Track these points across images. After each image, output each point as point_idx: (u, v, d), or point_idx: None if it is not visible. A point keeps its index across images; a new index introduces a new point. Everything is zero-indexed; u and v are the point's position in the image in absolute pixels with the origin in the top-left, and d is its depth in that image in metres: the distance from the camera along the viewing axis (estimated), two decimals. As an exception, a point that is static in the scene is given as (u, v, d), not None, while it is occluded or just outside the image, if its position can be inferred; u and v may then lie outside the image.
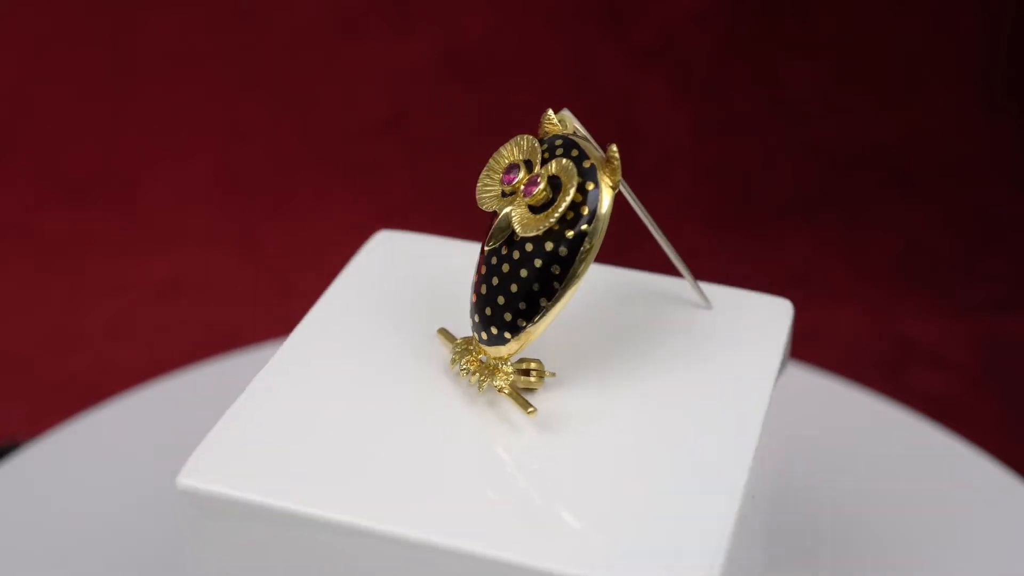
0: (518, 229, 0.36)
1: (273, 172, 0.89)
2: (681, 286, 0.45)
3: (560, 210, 0.36)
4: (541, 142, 0.38)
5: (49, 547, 0.53)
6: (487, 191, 0.38)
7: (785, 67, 0.92)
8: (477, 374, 0.38)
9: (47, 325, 0.77)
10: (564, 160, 0.36)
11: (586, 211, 0.36)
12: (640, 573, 0.33)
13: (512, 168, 0.37)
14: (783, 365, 0.42)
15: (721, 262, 0.83)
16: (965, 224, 0.86)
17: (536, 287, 0.36)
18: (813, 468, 0.56)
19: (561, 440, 0.37)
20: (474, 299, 0.38)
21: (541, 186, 0.36)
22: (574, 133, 0.38)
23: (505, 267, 0.37)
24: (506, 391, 0.38)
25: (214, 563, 0.38)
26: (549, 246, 0.36)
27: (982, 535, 0.54)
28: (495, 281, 0.37)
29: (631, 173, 0.90)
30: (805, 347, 0.74)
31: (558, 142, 0.37)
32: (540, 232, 0.36)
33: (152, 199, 0.87)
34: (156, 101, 0.90)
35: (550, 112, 0.38)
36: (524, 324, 0.37)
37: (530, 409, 0.37)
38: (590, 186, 0.36)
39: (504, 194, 0.37)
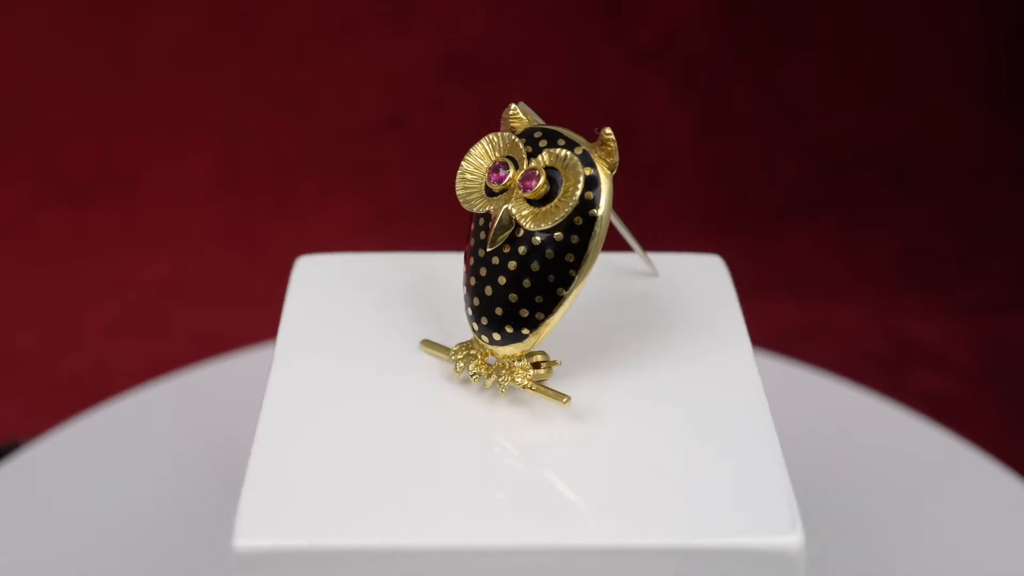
0: (528, 224, 0.36)
1: (273, 172, 0.89)
2: (618, 259, 0.46)
3: (575, 199, 0.36)
4: (519, 136, 0.38)
5: (49, 547, 0.53)
6: (470, 192, 0.38)
7: (785, 67, 0.92)
8: (493, 376, 0.38)
9: (47, 325, 0.77)
10: (559, 151, 0.37)
11: (591, 196, 0.36)
12: (726, 535, 0.33)
13: (499, 167, 0.37)
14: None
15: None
16: (965, 224, 0.86)
17: (552, 278, 0.37)
18: (813, 468, 0.56)
19: (583, 430, 0.38)
20: (476, 303, 0.38)
21: (542, 180, 0.36)
22: (540, 124, 0.38)
23: (512, 264, 0.37)
24: (532, 387, 0.38)
25: None
26: (559, 236, 0.36)
27: (982, 535, 0.54)
28: (502, 280, 0.37)
29: (631, 173, 0.90)
30: (805, 347, 0.74)
31: (537, 134, 0.38)
32: (553, 224, 0.36)
33: (152, 199, 0.87)
34: (156, 101, 0.90)
35: (513, 106, 0.38)
36: (543, 317, 0.37)
37: (565, 399, 0.37)
38: (588, 171, 0.36)
39: (492, 192, 0.37)
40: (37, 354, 0.75)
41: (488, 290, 0.37)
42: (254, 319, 0.77)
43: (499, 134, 0.38)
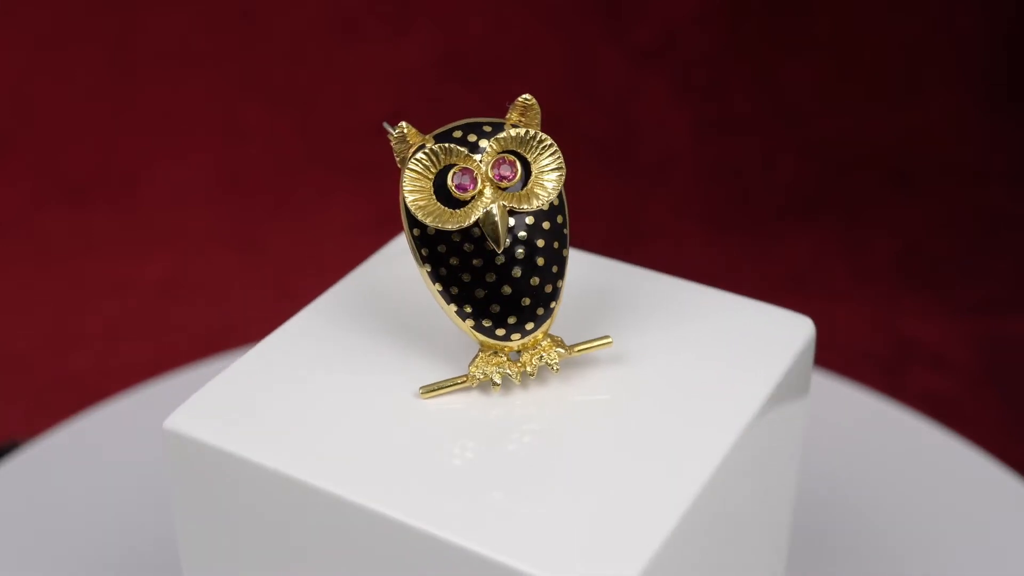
0: (535, 205, 0.37)
1: (273, 172, 0.89)
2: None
3: (562, 166, 0.38)
4: (437, 149, 0.38)
5: (49, 547, 0.53)
6: (436, 215, 0.37)
7: (785, 67, 0.92)
8: (525, 365, 0.39)
9: (47, 325, 0.77)
10: (516, 132, 0.38)
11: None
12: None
13: (455, 177, 0.37)
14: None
15: (721, 262, 0.83)
16: (965, 224, 0.86)
17: (556, 244, 0.38)
18: (813, 468, 0.56)
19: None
20: (496, 310, 0.38)
21: (518, 165, 0.38)
22: (419, 134, 0.38)
23: (520, 251, 0.37)
24: (574, 350, 0.39)
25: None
26: (540, 204, 0.38)
27: (982, 535, 0.54)
28: (517, 272, 0.37)
29: (631, 173, 0.90)
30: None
31: (456, 133, 0.38)
32: (550, 197, 0.38)
33: (152, 199, 0.87)
34: (156, 101, 0.90)
35: (403, 125, 0.38)
36: (561, 284, 0.38)
37: (607, 339, 0.40)
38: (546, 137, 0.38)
39: (458, 202, 0.37)
40: (37, 354, 0.75)
41: (507, 289, 0.38)
42: (254, 319, 0.77)
43: (422, 154, 0.38)
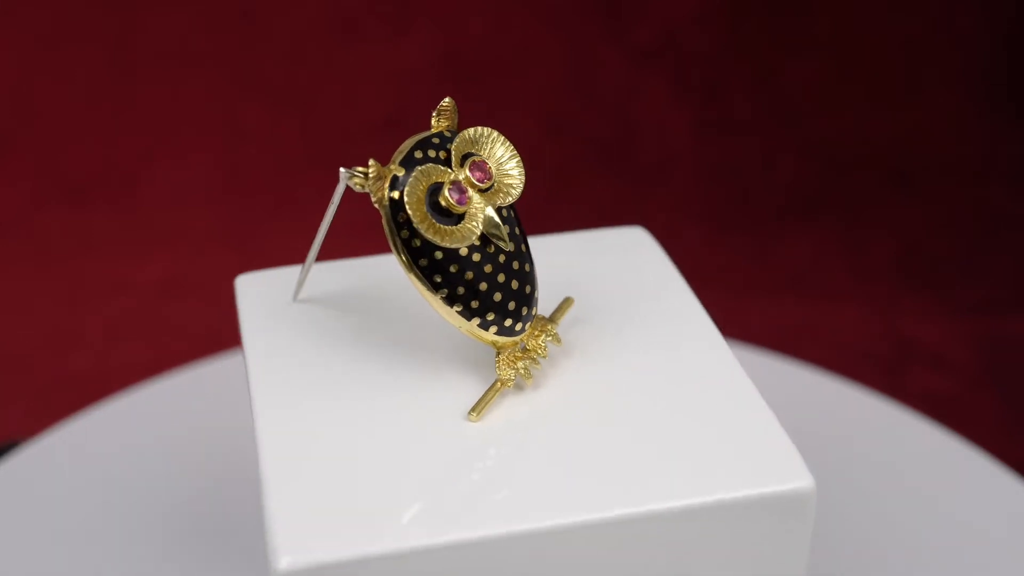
0: (513, 196, 0.38)
1: (273, 172, 0.89)
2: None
3: (516, 156, 0.39)
4: (419, 173, 0.37)
5: (49, 546, 0.53)
6: (450, 238, 0.37)
7: (785, 67, 0.92)
8: (539, 350, 0.40)
9: (47, 325, 0.77)
10: (468, 132, 0.39)
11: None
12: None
13: (451, 192, 0.37)
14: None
15: (721, 262, 0.83)
16: (965, 224, 0.86)
17: (519, 229, 0.39)
18: (812, 468, 0.56)
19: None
20: (513, 307, 0.38)
21: (490, 168, 0.38)
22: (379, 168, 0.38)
23: (512, 245, 0.38)
24: (556, 323, 0.41)
25: None
26: (517, 194, 0.39)
27: (982, 535, 0.54)
28: (515, 265, 0.38)
29: (631, 173, 0.90)
30: (805, 347, 0.74)
31: (418, 153, 0.38)
32: (519, 190, 0.39)
33: (152, 199, 0.87)
34: (156, 101, 0.90)
35: (372, 162, 0.37)
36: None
37: (569, 300, 0.42)
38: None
39: (454, 215, 0.37)
40: (37, 354, 0.75)
41: (515, 283, 0.38)
42: (254, 319, 0.77)
43: (410, 185, 0.37)
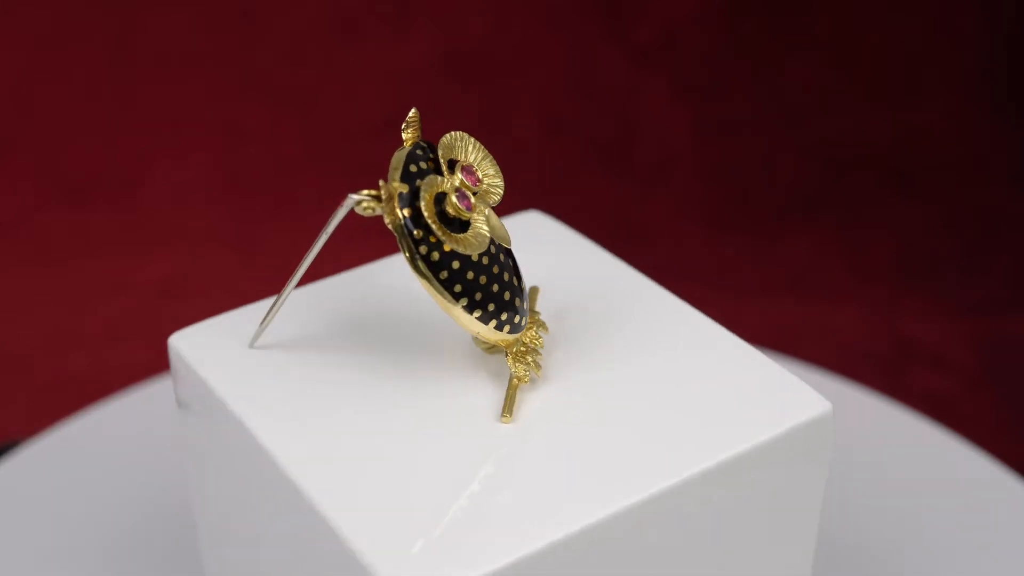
0: (499, 195, 0.39)
1: (273, 172, 0.89)
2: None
3: (488, 157, 0.39)
4: (425, 188, 0.37)
5: (49, 547, 0.53)
6: (466, 247, 0.37)
7: (785, 67, 0.92)
8: (535, 341, 0.40)
9: (47, 325, 0.77)
10: (444, 138, 0.39)
11: None
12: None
13: (457, 200, 0.37)
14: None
15: (721, 262, 0.83)
16: (965, 224, 0.86)
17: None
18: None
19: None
20: (518, 303, 0.39)
21: (477, 171, 0.38)
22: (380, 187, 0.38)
23: (502, 256, 0.39)
24: (537, 313, 0.41)
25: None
26: (501, 192, 0.39)
27: (982, 535, 0.54)
28: (510, 263, 0.39)
29: (631, 172, 0.90)
30: (805, 347, 0.74)
31: (412, 168, 0.37)
32: (500, 192, 0.39)
33: (152, 199, 0.87)
34: (156, 101, 0.90)
35: (383, 184, 0.37)
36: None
37: (535, 288, 0.43)
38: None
39: (461, 223, 0.37)
40: (37, 354, 0.75)
41: (515, 280, 0.39)
42: (254, 319, 0.77)
43: (424, 199, 0.37)
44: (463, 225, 0.37)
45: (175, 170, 0.88)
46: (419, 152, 0.38)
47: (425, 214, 0.36)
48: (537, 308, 0.43)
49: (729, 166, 0.89)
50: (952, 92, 0.91)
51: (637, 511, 0.35)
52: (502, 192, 0.38)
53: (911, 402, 0.66)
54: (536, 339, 0.40)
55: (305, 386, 0.39)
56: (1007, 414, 0.70)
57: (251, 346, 0.41)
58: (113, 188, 0.87)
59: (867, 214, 0.86)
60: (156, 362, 0.72)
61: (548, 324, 0.42)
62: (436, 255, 0.36)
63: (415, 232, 0.36)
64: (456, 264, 0.37)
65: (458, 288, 0.37)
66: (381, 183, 0.37)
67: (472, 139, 0.39)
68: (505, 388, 0.39)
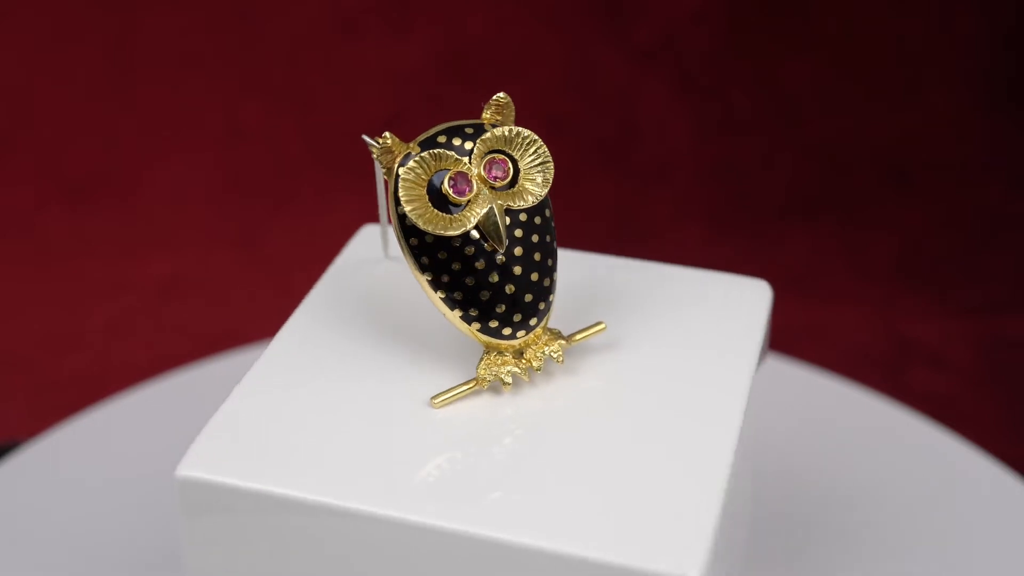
0: (529, 202, 0.38)
1: (273, 172, 0.89)
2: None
3: (549, 159, 0.38)
4: (427, 156, 0.37)
5: (49, 547, 0.53)
6: (434, 224, 0.37)
7: (785, 67, 0.92)
8: (534, 361, 0.39)
9: (47, 325, 0.77)
10: (501, 131, 0.38)
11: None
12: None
13: (451, 183, 0.37)
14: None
15: (721, 262, 0.83)
16: (965, 224, 0.86)
17: (548, 237, 0.39)
18: (813, 468, 0.56)
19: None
20: (502, 309, 0.38)
21: (509, 165, 0.38)
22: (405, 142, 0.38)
23: (518, 250, 0.38)
24: (571, 340, 0.40)
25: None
26: (534, 200, 0.38)
27: (982, 535, 0.54)
28: (518, 270, 0.38)
29: (631, 173, 0.90)
30: (805, 347, 0.74)
31: (441, 138, 0.38)
32: (542, 192, 0.38)
33: (152, 199, 0.87)
34: (156, 101, 0.90)
35: (387, 135, 0.38)
36: (555, 276, 0.39)
37: (600, 325, 0.41)
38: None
39: (454, 207, 0.37)
40: (37, 354, 0.75)
41: (510, 287, 0.38)
42: (254, 319, 0.77)
43: (411, 163, 0.37)
44: (461, 211, 0.37)
45: (175, 170, 0.88)
46: (468, 131, 0.38)
47: (401, 176, 0.37)
48: (600, 343, 0.41)
49: (729, 166, 0.90)
50: (952, 92, 0.91)
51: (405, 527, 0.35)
52: (533, 200, 0.38)
53: (911, 402, 0.66)
54: (536, 358, 0.39)
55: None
56: (1007, 414, 0.70)
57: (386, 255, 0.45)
58: (113, 188, 0.87)
59: (867, 214, 0.86)
60: (156, 362, 0.72)
61: (599, 361, 0.41)
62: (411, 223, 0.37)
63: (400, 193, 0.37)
64: (429, 239, 0.37)
65: (425, 260, 0.37)
66: (387, 133, 0.38)
67: (539, 142, 0.38)
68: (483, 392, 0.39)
